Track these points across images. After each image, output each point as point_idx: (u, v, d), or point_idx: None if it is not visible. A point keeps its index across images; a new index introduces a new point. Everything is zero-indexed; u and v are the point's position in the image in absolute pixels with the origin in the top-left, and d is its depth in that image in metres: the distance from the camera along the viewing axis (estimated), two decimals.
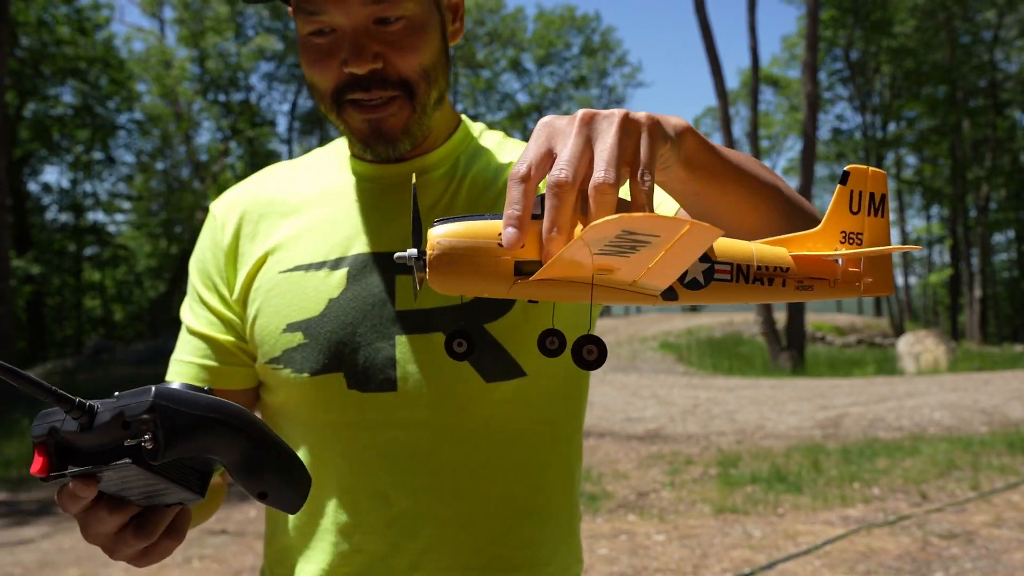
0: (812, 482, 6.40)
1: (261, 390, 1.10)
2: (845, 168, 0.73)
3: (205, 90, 32.05)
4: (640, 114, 0.66)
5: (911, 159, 39.18)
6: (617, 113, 0.64)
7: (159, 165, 34.46)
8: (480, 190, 1.05)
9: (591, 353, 0.65)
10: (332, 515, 1.03)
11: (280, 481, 0.73)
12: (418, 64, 0.97)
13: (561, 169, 0.60)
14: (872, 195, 0.74)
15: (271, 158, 35.26)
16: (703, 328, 23.91)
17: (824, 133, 36.38)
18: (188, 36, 31.28)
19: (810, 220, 0.85)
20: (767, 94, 42.59)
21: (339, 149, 1.13)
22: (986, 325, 34.25)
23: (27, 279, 24.48)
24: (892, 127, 36.17)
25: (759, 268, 0.69)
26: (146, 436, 0.64)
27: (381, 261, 1.01)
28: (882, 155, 35.11)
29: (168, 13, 33.14)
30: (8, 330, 13.69)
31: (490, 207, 1.03)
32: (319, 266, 1.02)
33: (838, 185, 0.73)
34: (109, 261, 31.42)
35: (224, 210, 1.11)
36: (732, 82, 52.53)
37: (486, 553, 1.02)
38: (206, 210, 27.05)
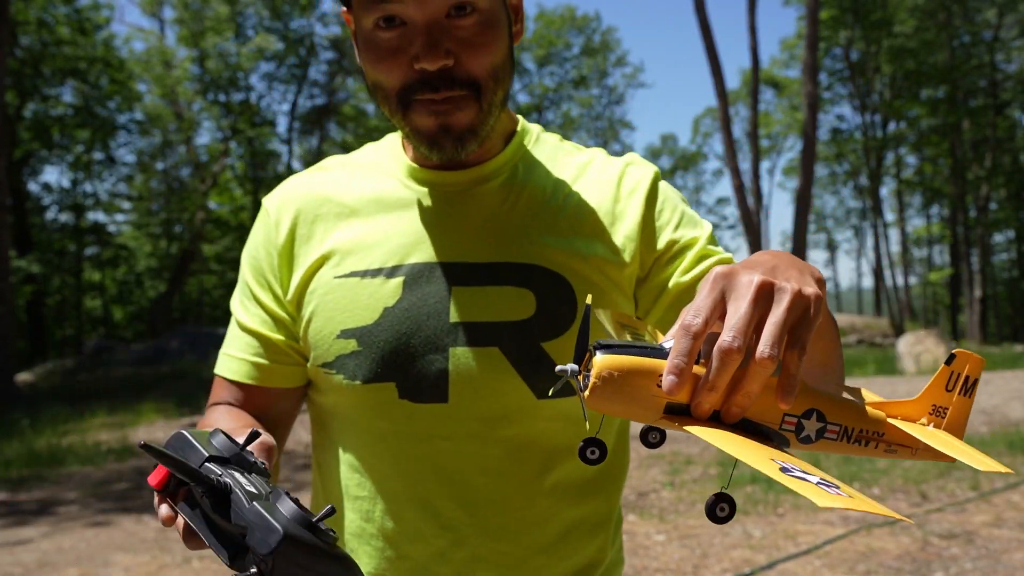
0: None
1: (311, 389, 1.10)
2: (953, 351, 0.80)
3: (205, 90, 32.04)
4: (810, 289, 0.68)
5: (911, 159, 39.18)
6: (790, 289, 0.66)
7: (159, 165, 34.47)
8: (539, 203, 1.05)
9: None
10: (379, 521, 1.04)
11: None
12: (489, 63, 0.96)
13: (734, 337, 0.63)
14: (967, 378, 0.81)
15: (271, 158, 35.30)
16: None
17: (824, 133, 36.39)
18: (188, 36, 31.27)
19: (842, 357, 0.90)
20: (767, 94, 42.62)
21: (394, 148, 1.11)
22: (986, 325, 34.24)
23: (27, 279, 24.48)
24: (892, 127, 36.15)
25: (860, 431, 0.77)
26: (253, 569, 0.68)
27: (438, 271, 1.00)
28: (882, 155, 35.10)
29: (168, 13, 33.16)
30: (8, 330, 13.69)
31: (549, 222, 1.03)
32: (375, 273, 1.01)
33: (943, 364, 0.80)
34: (109, 261, 31.42)
35: (278, 207, 1.10)
36: (732, 82, 52.58)
37: (530, 565, 1.04)
38: (207, 210, 27.06)
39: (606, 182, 1.07)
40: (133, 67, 29.46)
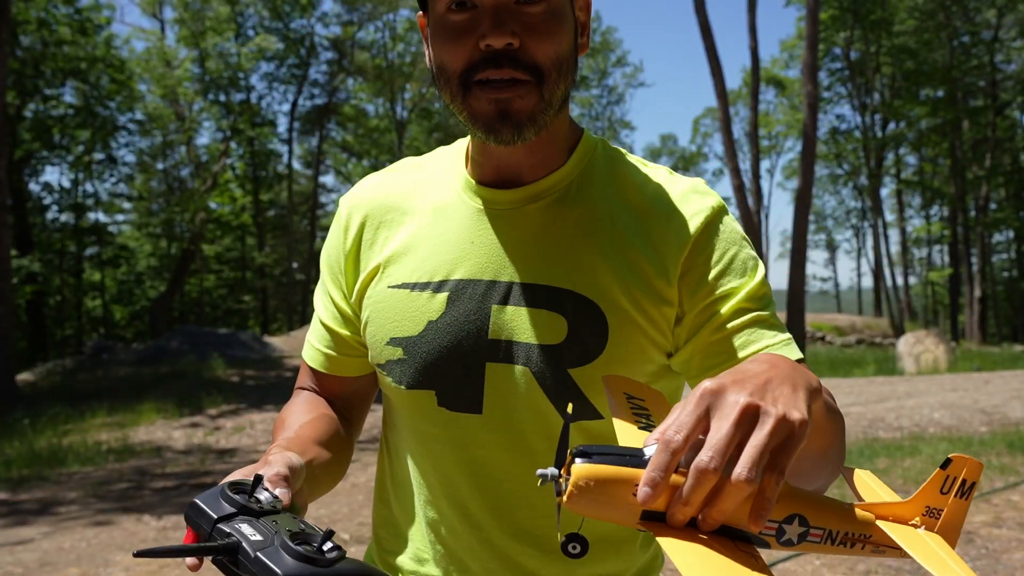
0: None
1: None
2: (950, 456, 0.80)
3: (205, 90, 32.04)
4: (796, 414, 0.68)
5: (911, 159, 39.17)
6: (774, 414, 0.67)
7: (159, 165, 34.47)
8: (586, 226, 1.05)
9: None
10: (423, 509, 1.13)
11: None
12: (553, 51, 0.96)
13: (711, 457, 0.65)
14: (964, 481, 0.81)
15: (271, 158, 35.29)
16: None
17: (824, 133, 36.38)
18: (188, 36, 31.27)
19: (843, 447, 0.93)
20: (767, 94, 42.61)
21: (459, 158, 1.14)
22: (986, 325, 34.24)
23: (28, 279, 24.48)
24: (892, 127, 36.15)
25: (846, 534, 0.76)
26: None
27: (481, 288, 1.05)
28: (882, 155, 35.11)
29: (168, 13, 33.16)
30: (8, 330, 13.69)
31: (592, 247, 1.04)
32: (424, 287, 1.07)
33: (938, 468, 0.80)
34: (109, 261, 31.42)
35: (350, 210, 1.16)
36: (733, 82, 52.58)
37: (552, 570, 1.10)
38: (207, 210, 27.06)
39: (665, 204, 1.05)
40: (134, 67, 29.46)
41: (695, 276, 1.03)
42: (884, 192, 40.08)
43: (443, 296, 1.05)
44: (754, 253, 1.06)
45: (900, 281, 38.97)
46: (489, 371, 1.04)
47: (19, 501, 6.99)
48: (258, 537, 0.77)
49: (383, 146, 36.61)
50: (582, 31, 1.04)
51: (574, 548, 0.76)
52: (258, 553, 0.75)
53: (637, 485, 0.68)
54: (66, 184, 30.73)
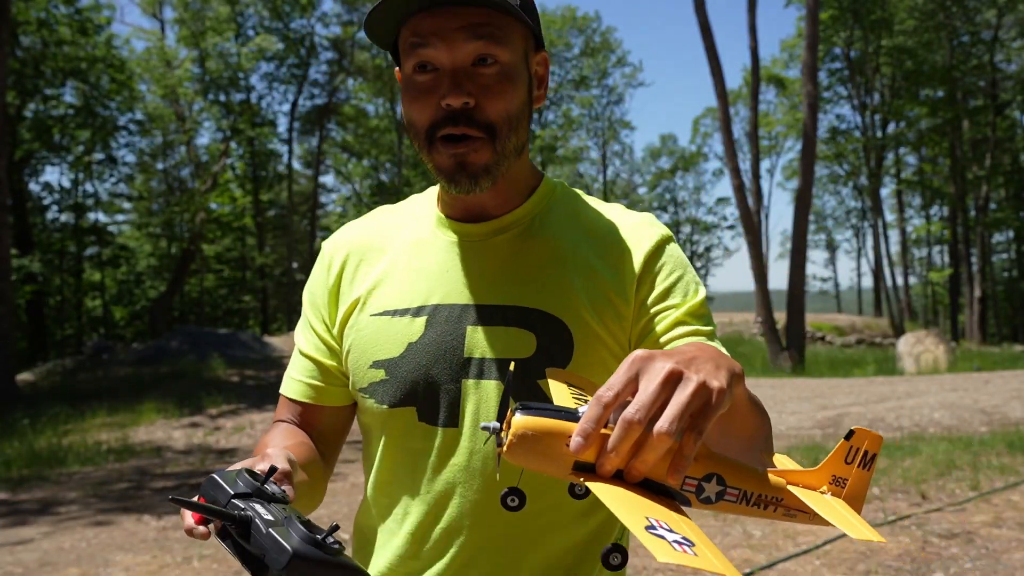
0: None
1: (358, 407, 1.26)
2: (852, 428, 0.87)
3: (205, 90, 32.04)
4: (715, 383, 0.76)
5: (911, 159, 39.16)
6: (696, 380, 0.75)
7: (159, 165, 34.46)
8: (549, 254, 1.17)
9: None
10: (401, 519, 1.20)
11: None
12: (504, 109, 1.08)
13: (636, 411, 0.73)
14: (866, 452, 0.88)
15: (271, 158, 35.28)
16: None
17: (824, 133, 36.37)
18: (188, 36, 31.27)
19: (770, 440, 0.99)
20: (767, 94, 42.61)
21: (431, 200, 1.27)
22: (986, 325, 34.24)
23: (28, 279, 24.48)
24: (892, 127, 36.15)
25: (759, 496, 0.84)
26: None
27: (456, 312, 1.15)
28: (882, 155, 35.11)
29: (168, 13, 33.15)
30: (8, 330, 13.69)
31: (557, 271, 1.16)
32: (403, 312, 1.17)
33: (842, 439, 0.87)
34: (109, 261, 31.41)
35: (331, 251, 1.28)
36: (733, 82, 52.58)
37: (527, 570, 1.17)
38: (207, 210, 27.01)
39: (617, 237, 1.19)
40: (134, 67, 29.45)
41: (644, 294, 1.15)
42: (884, 192, 40.11)
43: (422, 320, 1.15)
44: (697, 278, 1.19)
45: (900, 281, 38.99)
46: (465, 388, 1.14)
47: (19, 501, 6.99)
48: (270, 516, 0.84)
49: (383, 146, 36.62)
50: (538, 84, 1.16)
51: (512, 501, 0.83)
52: (270, 529, 0.82)
53: (570, 437, 0.75)
54: (66, 184, 30.74)
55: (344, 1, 33.22)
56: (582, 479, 0.76)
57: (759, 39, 20.61)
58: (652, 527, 0.71)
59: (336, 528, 0.82)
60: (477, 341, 1.13)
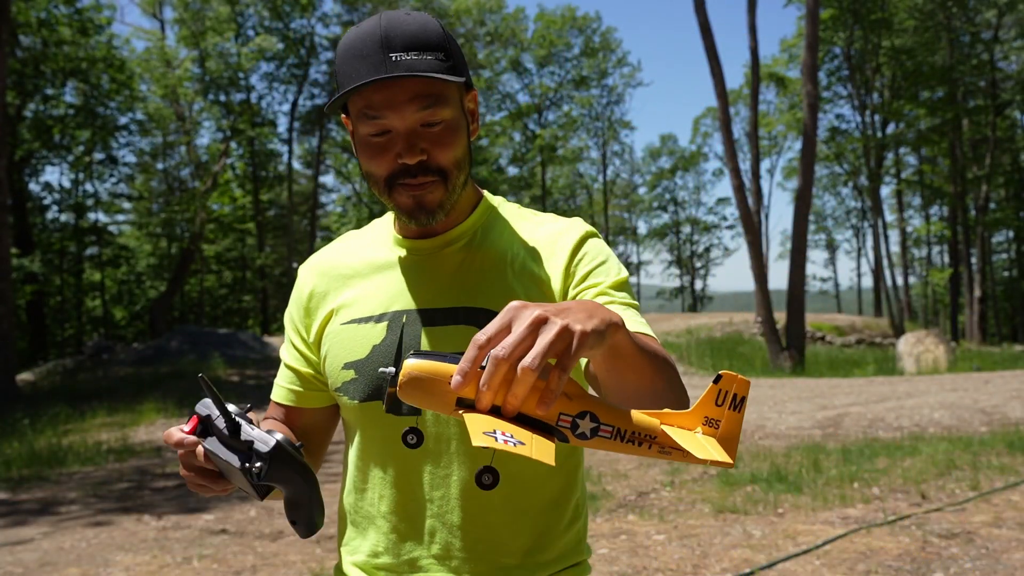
0: (812, 482, 6.41)
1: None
2: (720, 372, 0.94)
3: (205, 90, 32.04)
4: (579, 327, 0.87)
5: (911, 159, 39.16)
6: (560, 324, 0.86)
7: (160, 165, 34.46)
8: (491, 260, 1.36)
9: (488, 479, 0.91)
10: (376, 503, 1.37)
11: (307, 520, 1.16)
12: (452, 156, 1.27)
13: (504, 349, 0.84)
14: (735, 395, 0.94)
15: (271, 158, 35.29)
16: (703, 328, 23.91)
17: (824, 133, 36.36)
18: (188, 36, 31.27)
19: (681, 392, 1.12)
20: (767, 94, 42.60)
21: (388, 223, 1.47)
22: (986, 325, 34.24)
23: (28, 279, 24.48)
24: (892, 127, 36.14)
25: (633, 433, 0.91)
26: (258, 464, 1.08)
27: (413, 316, 1.33)
28: (882, 155, 35.10)
29: (168, 13, 33.14)
30: (8, 330, 13.70)
31: (498, 274, 1.34)
32: (367, 319, 1.36)
33: (711, 383, 0.93)
34: (110, 261, 31.41)
35: (306, 274, 1.49)
36: (733, 82, 52.54)
37: (482, 544, 1.32)
38: (207, 210, 26.98)
39: (548, 240, 1.37)
40: (134, 67, 29.44)
41: (569, 282, 1.33)
42: (884, 192, 40.12)
43: (383, 325, 1.34)
44: (620, 265, 1.36)
45: (900, 281, 38.98)
46: None
47: (19, 501, 6.99)
48: (258, 430, 1.10)
49: None
50: (472, 119, 1.35)
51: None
52: (257, 429, 1.08)
53: (452, 377, 0.86)
54: (66, 184, 30.75)
55: (344, 1, 33.22)
56: (461, 412, 0.87)
57: (759, 39, 20.61)
58: (492, 433, 0.82)
59: (302, 445, 1.09)
60: (432, 340, 1.30)
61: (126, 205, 34.10)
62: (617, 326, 0.93)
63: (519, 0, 73.72)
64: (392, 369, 0.93)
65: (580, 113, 45.91)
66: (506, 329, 0.86)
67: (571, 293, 1.31)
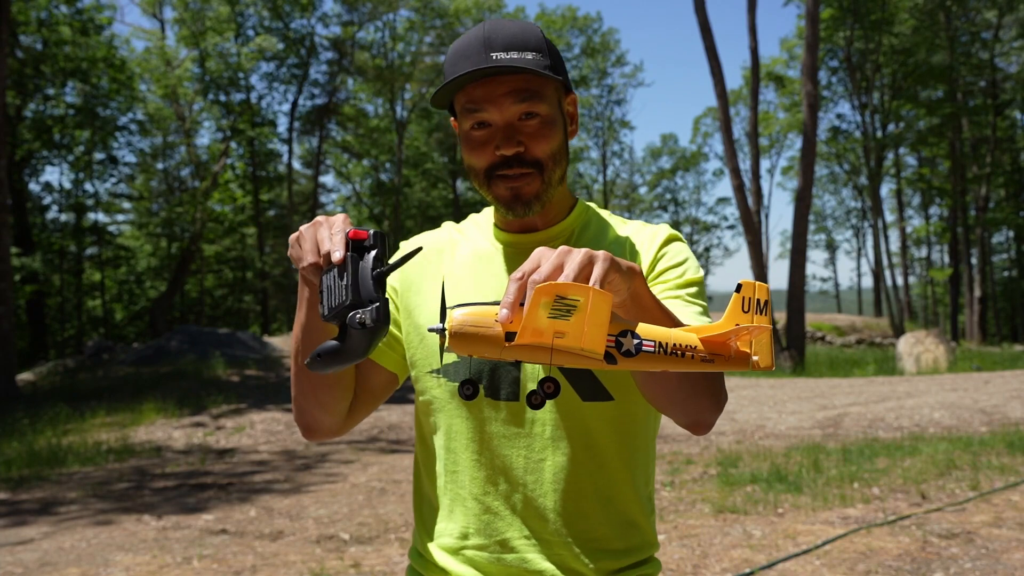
0: (812, 482, 6.41)
1: (416, 392, 1.49)
2: (739, 282, 1.00)
3: (205, 90, 32.03)
4: (600, 255, 0.99)
5: (911, 159, 39.15)
6: (583, 252, 0.98)
7: (160, 165, 34.45)
8: None
9: (549, 388, 1.02)
10: (469, 489, 1.42)
11: (323, 365, 1.11)
12: (548, 149, 1.36)
13: (539, 274, 0.96)
14: (758, 300, 1.00)
15: (271, 158, 35.27)
16: None
17: (824, 133, 36.35)
18: (188, 36, 31.26)
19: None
20: (767, 94, 42.58)
21: (489, 217, 1.55)
22: (986, 325, 34.23)
23: (29, 278, 24.47)
24: (892, 127, 36.13)
25: (674, 346, 0.98)
26: (366, 313, 1.06)
27: None
28: (882, 155, 35.10)
29: (168, 13, 33.13)
30: (9, 330, 13.69)
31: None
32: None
33: (733, 293, 0.99)
34: (110, 261, 31.40)
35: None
36: (733, 82, 52.54)
37: (558, 541, 1.37)
38: (207, 210, 26.88)
39: (636, 241, 1.46)
40: (134, 67, 29.43)
41: (657, 270, 1.42)
42: (884, 192, 40.10)
43: None
44: (697, 264, 1.45)
45: (900, 281, 38.99)
46: (523, 368, 1.39)
47: (19, 501, 6.99)
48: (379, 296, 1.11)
49: (383, 146, 36.59)
50: (571, 121, 1.44)
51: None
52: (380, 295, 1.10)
53: (496, 316, 0.94)
54: (66, 184, 30.74)
55: (344, 1, 33.21)
56: (510, 345, 0.94)
57: (759, 39, 20.60)
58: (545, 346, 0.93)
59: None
60: None
61: (126, 205, 34.09)
62: (637, 272, 1.05)
63: (519, 0, 73.66)
64: (439, 325, 1.00)
65: (580, 113, 45.83)
66: (536, 264, 0.97)
67: (651, 283, 1.38)
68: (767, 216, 49.11)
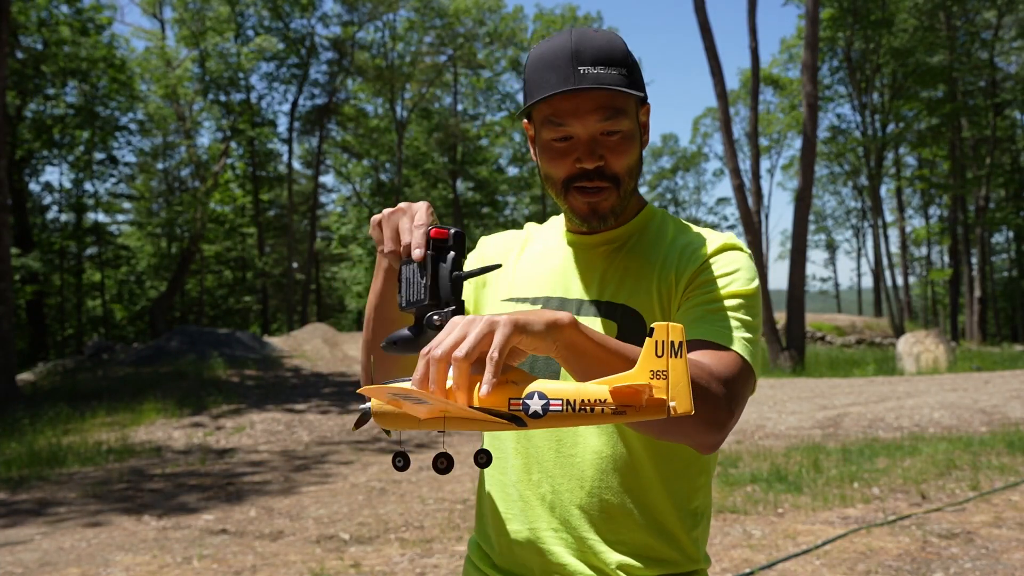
0: (812, 482, 6.41)
1: None
2: (651, 326, 0.95)
3: (205, 90, 32.03)
4: (501, 320, 0.99)
5: (911, 159, 39.14)
6: (484, 321, 0.98)
7: (160, 165, 34.45)
8: (639, 262, 1.47)
9: (442, 463, 1.01)
10: (507, 472, 1.48)
11: (391, 344, 1.19)
12: (626, 165, 1.39)
13: (439, 348, 0.97)
14: (672, 342, 0.96)
15: (271, 158, 35.28)
16: None
17: (824, 133, 36.35)
18: (188, 36, 31.26)
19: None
20: (767, 94, 42.59)
21: (562, 220, 1.59)
22: (986, 325, 34.23)
23: (29, 278, 24.47)
24: (892, 127, 36.13)
25: (583, 402, 0.95)
26: (441, 314, 1.14)
27: (562, 304, 1.47)
28: (882, 155, 35.10)
29: (168, 13, 33.13)
30: (8, 330, 13.69)
31: (642, 275, 1.45)
32: (523, 301, 1.52)
33: (646, 338, 0.95)
34: (110, 261, 31.40)
35: (486, 246, 1.66)
36: (733, 82, 52.51)
37: (590, 539, 1.41)
38: (207, 210, 26.91)
39: (691, 248, 1.47)
40: (134, 67, 29.43)
41: (699, 279, 1.41)
42: (884, 192, 40.08)
43: (537, 307, 1.47)
44: (750, 276, 1.44)
45: (900, 281, 38.96)
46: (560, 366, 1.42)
47: (19, 501, 6.99)
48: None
49: (383, 146, 36.59)
50: (644, 131, 1.46)
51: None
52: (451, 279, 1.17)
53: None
54: (66, 184, 30.74)
55: (344, 1, 33.21)
56: (422, 420, 0.97)
57: (759, 39, 20.59)
58: (396, 394, 0.95)
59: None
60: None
61: (126, 205, 34.11)
62: (560, 325, 1.04)
63: (518, 0, 73.61)
64: (367, 406, 1.04)
65: None
66: (443, 339, 0.99)
67: (681, 296, 1.41)
68: (767, 216, 49.13)
